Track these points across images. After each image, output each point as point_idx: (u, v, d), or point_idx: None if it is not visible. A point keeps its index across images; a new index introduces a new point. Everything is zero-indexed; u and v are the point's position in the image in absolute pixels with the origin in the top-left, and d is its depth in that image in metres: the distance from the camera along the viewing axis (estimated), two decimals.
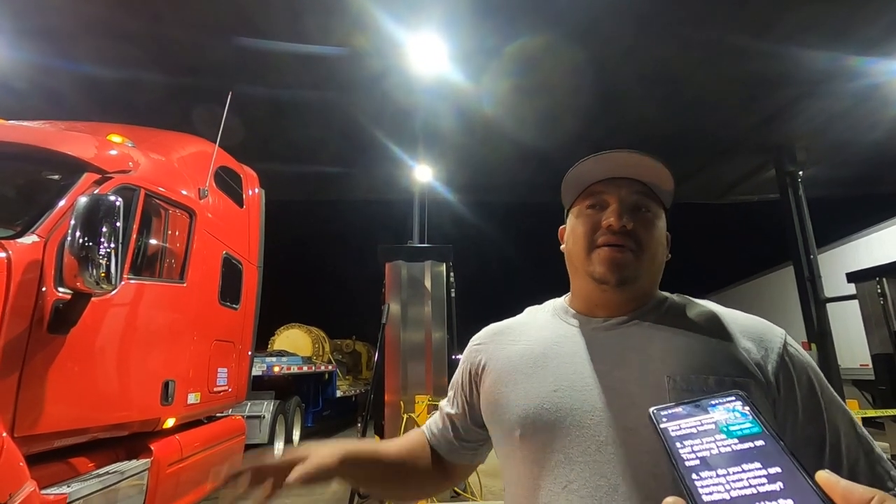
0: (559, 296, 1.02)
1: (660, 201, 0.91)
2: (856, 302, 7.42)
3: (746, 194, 12.73)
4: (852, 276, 7.40)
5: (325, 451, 0.87)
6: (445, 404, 1.07)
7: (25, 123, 3.60)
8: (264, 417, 7.09)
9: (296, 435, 8.89)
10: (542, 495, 0.78)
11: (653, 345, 0.81)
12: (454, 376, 1.08)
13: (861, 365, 9.10)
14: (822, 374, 0.81)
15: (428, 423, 1.10)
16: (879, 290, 6.74)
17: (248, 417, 6.47)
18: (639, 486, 0.71)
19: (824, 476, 0.41)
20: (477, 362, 0.98)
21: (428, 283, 5.61)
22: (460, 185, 11.94)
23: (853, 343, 9.03)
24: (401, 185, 11.28)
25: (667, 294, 0.93)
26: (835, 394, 0.79)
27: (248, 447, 5.30)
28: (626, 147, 0.89)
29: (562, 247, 0.99)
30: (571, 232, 0.93)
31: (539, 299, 1.07)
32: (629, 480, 0.71)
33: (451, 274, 6.08)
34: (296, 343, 12.64)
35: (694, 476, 0.43)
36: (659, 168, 0.88)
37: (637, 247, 0.84)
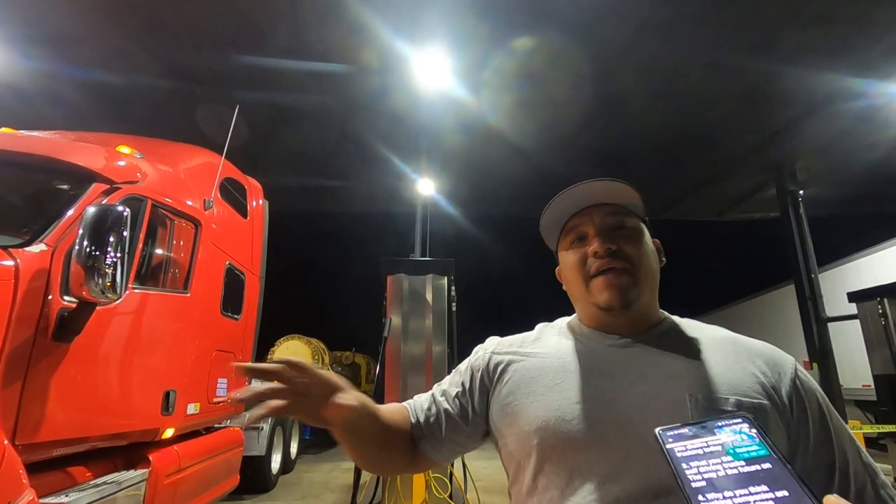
0: (562, 309, 1.04)
1: (635, 214, 0.94)
2: (858, 322, 7.38)
3: (747, 212, 12.76)
4: (853, 296, 7.36)
5: (355, 392, 0.84)
6: (441, 397, 1.01)
7: (36, 133, 3.64)
8: (262, 429, 7.03)
9: (293, 447, 8.81)
10: None
11: (671, 363, 0.83)
12: (456, 375, 1.04)
13: (863, 385, 9.03)
14: (828, 401, 0.83)
15: (415, 406, 1.02)
16: (881, 311, 6.70)
17: (246, 429, 6.42)
18: (661, 502, 0.71)
19: (832, 500, 0.41)
20: (491, 369, 0.97)
21: (429, 297, 5.60)
22: (462, 199, 11.98)
23: (855, 363, 8.97)
24: (403, 198, 11.32)
25: (677, 317, 0.96)
26: (841, 420, 0.81)
27: (246, 459, 5.26)
28: (593, 177, 0.93)
29: (564, 287, 1.02)
30: (564, 270, 0.97)
31: (541, 312, 1.08)
32: (651, 496, 0.71)
33: (453, 287, 6.08)
34: (295, 354, 12.45)
35: (700, 498, 0.43)
36: (621, 186, 0.92)
37: (629, 264, 0.87)
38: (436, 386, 1.06)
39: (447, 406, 0.99)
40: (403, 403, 1.04)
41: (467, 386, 1.00)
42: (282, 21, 6.36)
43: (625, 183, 0.92)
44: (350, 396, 0.81)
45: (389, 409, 0.99)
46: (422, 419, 0.99)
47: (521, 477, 0.87)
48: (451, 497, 4.77)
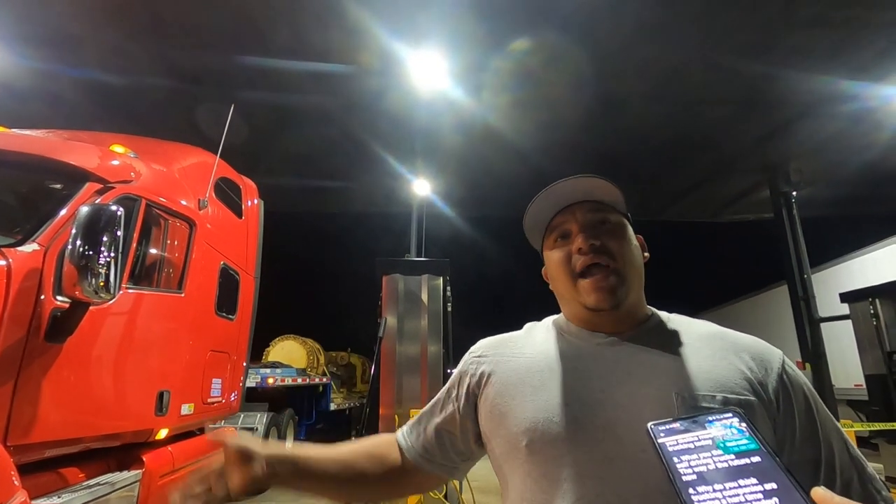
0: (556, 311, 1.03)
1: (617, 211, 0.94)
2: (850, 322, 7.44)
3: (741, 213, 12.84)
4: (845, 297, 7.43)
5: (272, 450, 0.95)
6: (430, 413, 1.04)
7: (29, 132, 3.62)
8: (257, 429, 7.02)
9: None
10: None
11: (659, 361, 0.83)
12: (446, 386, 1.05)
13: (855, 385, 9.10)
14: (816, 394, 0.83)
15: (402, 430, 1.06)
16: (872, 311, 6.77)
17: (241, 429, 6.40)
18: (649, 503, 0.70)
19: (820, 492, 0.42)
20: (478, 374, 0.97)
21: (424, 297, 5.61)
22: (458, 199, 12.00)
23: (848, 363, 9.04)
24: (399, 199, 11.33)
25: (665, 313, 0.96)
26: (829, 413, 0.81)
27: None
28: (574, 174, 0.93)
29: (550, 287, 1.01)
30: (550, 268, 0.97)
31: (536, 313, 1.07)
32: (639, 496, 0.71)
33: (448, 288, 6.09)
34: (290, 355, 12.56)
35: (691, 490, 0.44)
36: (601, 183, 0.92)
37: (613, 259, 0.87)
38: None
39: (435, 417, 1.01)
40: (393, 434, 1.07)
41: (455, 392, 1.00)
42: (282, 21, 6.35)
43: (605, 179, 0.92)
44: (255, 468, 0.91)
45: (361, 444, 1.03)
46: (411, 435, 1.02)
47: (511, 480, 0.87)
48: (446, 497, 4.77)
